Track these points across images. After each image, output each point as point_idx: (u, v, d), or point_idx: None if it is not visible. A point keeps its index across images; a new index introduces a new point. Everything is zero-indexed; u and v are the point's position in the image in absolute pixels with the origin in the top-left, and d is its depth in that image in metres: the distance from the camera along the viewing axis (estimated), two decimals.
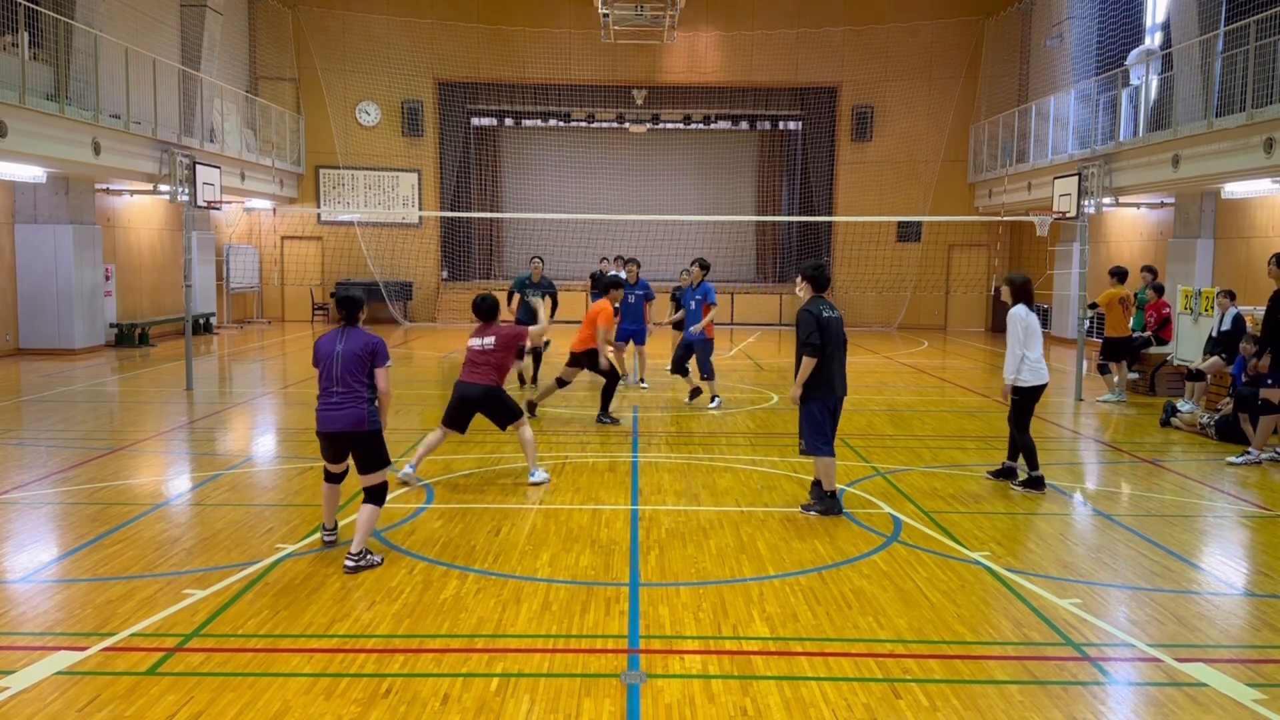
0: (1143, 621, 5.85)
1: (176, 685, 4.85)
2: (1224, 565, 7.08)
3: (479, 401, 8.80)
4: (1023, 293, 9.42)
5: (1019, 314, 9.36)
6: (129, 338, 20.47)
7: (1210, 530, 8.12)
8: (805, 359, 7.83)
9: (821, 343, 7.78)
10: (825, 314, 7.89)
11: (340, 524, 7.23)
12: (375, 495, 6.70)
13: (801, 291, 8.10)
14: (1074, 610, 5.98)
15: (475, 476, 9.33)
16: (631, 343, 14.87)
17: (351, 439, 6.62)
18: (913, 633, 5.62)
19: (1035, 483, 8.98)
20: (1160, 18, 20.41)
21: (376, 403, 6.69)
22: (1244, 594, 6.50)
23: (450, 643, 5.42)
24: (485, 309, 8.78)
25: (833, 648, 5.39)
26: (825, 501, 8.03)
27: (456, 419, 8.92)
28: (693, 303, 13.60)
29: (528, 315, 14.16)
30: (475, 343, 8.82)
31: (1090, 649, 5.45)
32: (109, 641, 5.34)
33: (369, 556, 6.63)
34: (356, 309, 6.81)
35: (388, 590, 6.18)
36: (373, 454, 6.67)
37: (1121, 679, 5.15)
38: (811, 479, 8.26)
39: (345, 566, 6.51)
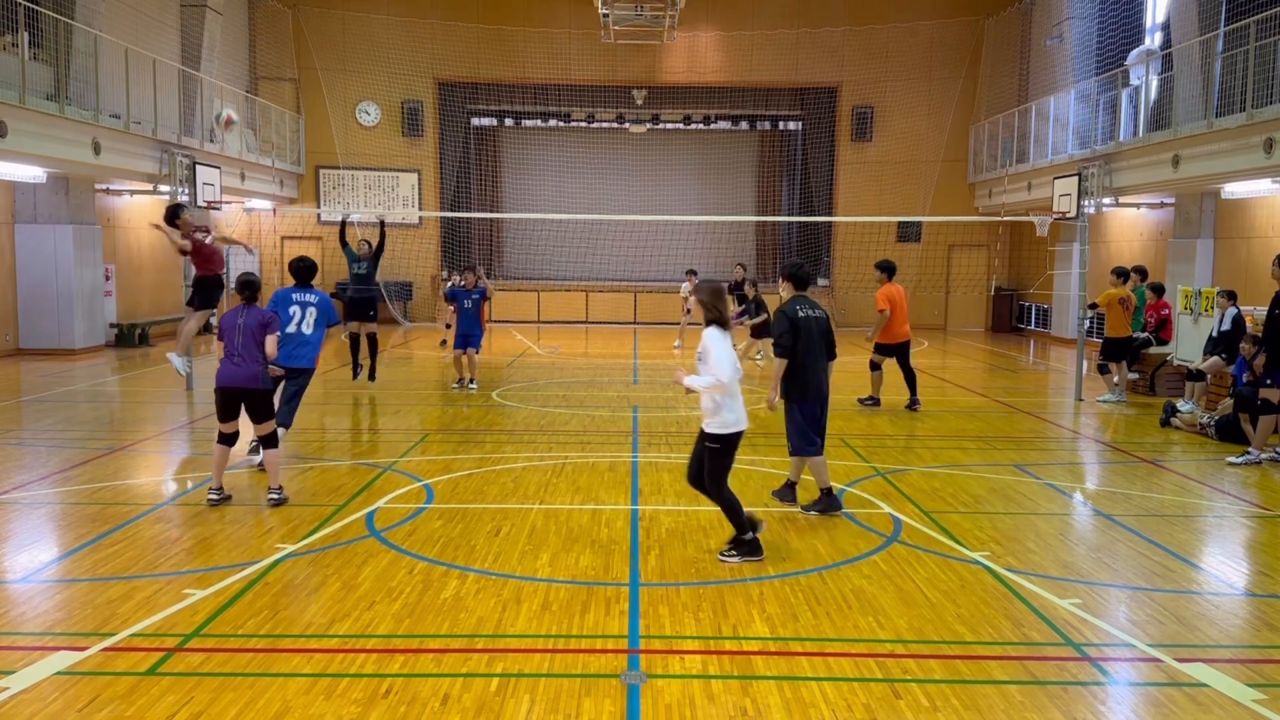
0: (1143, 621, 5.85)
1: (176, 685, 4.85)
2: (1224, 565, 7.09)
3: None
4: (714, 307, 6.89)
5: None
6: (129, 338, 20.47)
7: (1210, 530, 8.13)
8: (776, 360, 7.84)
9: (794, 344, 7.72)
10: (803, 314, 7.84)
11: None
12: (269, 441, 8.24)
13: (784, 291, 8.08)
14: (1074, 610, 5.98)
15: (475, 476, 9.33)
16: (469, 347, 14.83)
17: (246, 395, 8.09)
18: (913, 633, 5.61)
19: (745, 546, 6.89)
20: (1160, 18, 20.41)
21: (269, 367, 8.19)
22: (1244, 594, 6.50)
23: (450, 643, 5.42)
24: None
25: (833, 648, 5.39)
26: (824, 500, 8.04)
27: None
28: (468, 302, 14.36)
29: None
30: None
31: (1090, 649, 5.45)
32: (109, 641, 5.34)
33: (283, 492, 8.17)
34: (256, 290, 8.31)
35: (388, 590, 6.18)
36: (260, 408, 8.19)
37: (1121, 679, 5.15)
38: (810, 478, 8.24)
39: (269, 500, 8.08)
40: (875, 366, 13.76)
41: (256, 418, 8.23)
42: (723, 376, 6.55)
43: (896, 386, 16.14)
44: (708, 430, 6.70)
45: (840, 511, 8.03)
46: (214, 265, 12.75)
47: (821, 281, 28.86)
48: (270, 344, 8.14)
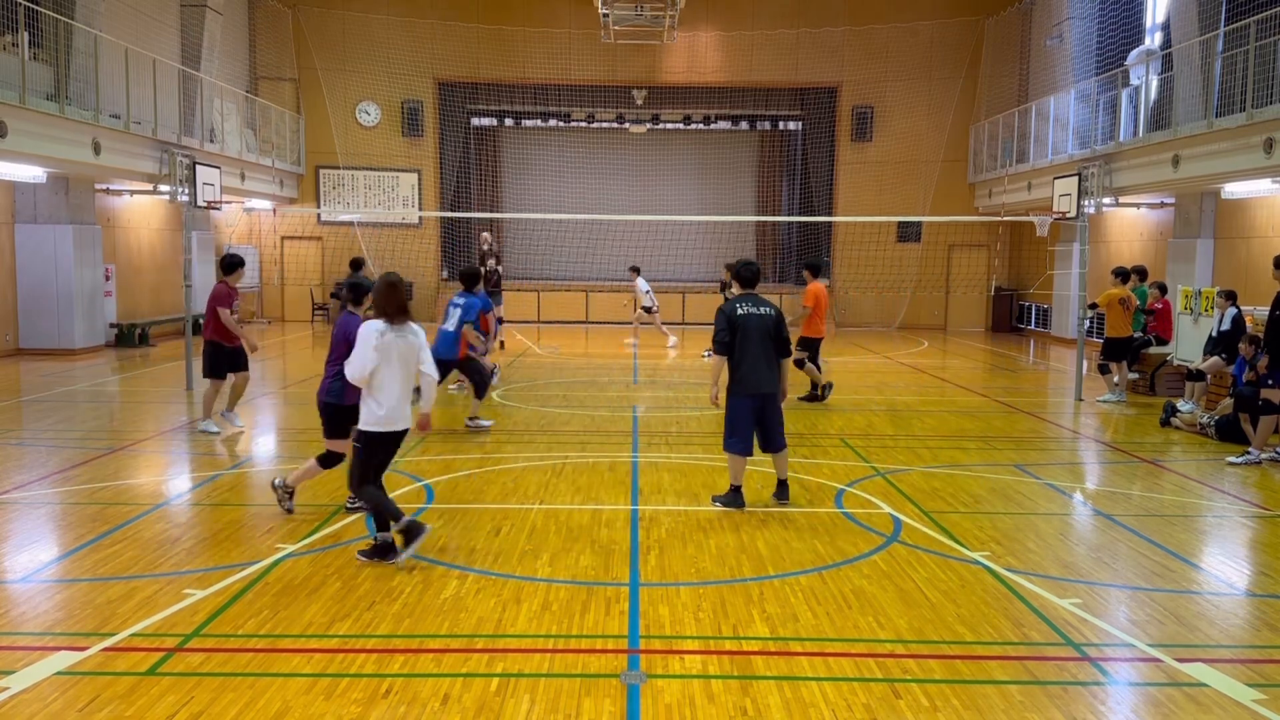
0: (1143, 621, 5.85)
1: (176, 685, 4.85)
2: (1224, 565, 7.09)
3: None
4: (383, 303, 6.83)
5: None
6: (129, 338, 20.47)
7: (1210, 530, 8.13)
8: (714, 357, 7.99)
9: (732, 340, 7.82)
10: (741, 311, 7.89)
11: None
12: (324, 456, 7.74)
13: (734, 289, 8.16)
14: (1074, 610, 5.98)
15: (475, 476, 9.33)
16: None
17: (320, 406, 7.73)
18: (913, 633, 5.62)
19: (380, 550, 6.70)
20: (1160, 18, 20.41)
21: (342, 380, 7.24)
22: (1244, 594, 6.51)
23: (450, 643, 5.42)
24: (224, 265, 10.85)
25: (833, 648, 5.39)
26: (730, 495, 8.19)
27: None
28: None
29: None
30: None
31: (1090, 649, 5.45)
32: (109, 641, 5.34)
33: (286, 498, 7.84)
34: (363, 293, 7.66)
35: (388, 590, 6.18)
36: (326, 422, 7.73)
37: (1121, 679, 5.15)
38: (810, 478, 8.26)
39: (273, 483, 7.97)
40: (801, 364, 13.71)
41: (324, 432, 7.76)
42: (348, 371, 6.65)
43: (897, 386, 16.14)
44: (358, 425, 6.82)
45: (743, 508, 8.07)
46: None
47: (821, 281, 28.84)
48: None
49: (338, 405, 7.54)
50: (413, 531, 6.64)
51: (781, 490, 8.32)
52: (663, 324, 21.99)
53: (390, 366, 6.55)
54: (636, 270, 21.61)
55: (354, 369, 6.57)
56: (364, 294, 7.61)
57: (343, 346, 7.29)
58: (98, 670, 5.00)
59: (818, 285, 13.42)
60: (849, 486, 9.02)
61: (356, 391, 6.85)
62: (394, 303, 6.62)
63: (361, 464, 6.76)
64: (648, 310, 21.41)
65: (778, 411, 8.13)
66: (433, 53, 27.56)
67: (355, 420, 6.98)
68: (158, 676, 4.95)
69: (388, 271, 7.13)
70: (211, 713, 4.57)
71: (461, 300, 11.61)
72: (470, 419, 11.68)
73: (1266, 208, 16.99)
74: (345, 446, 7.54)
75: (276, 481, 7.97)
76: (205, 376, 11.29)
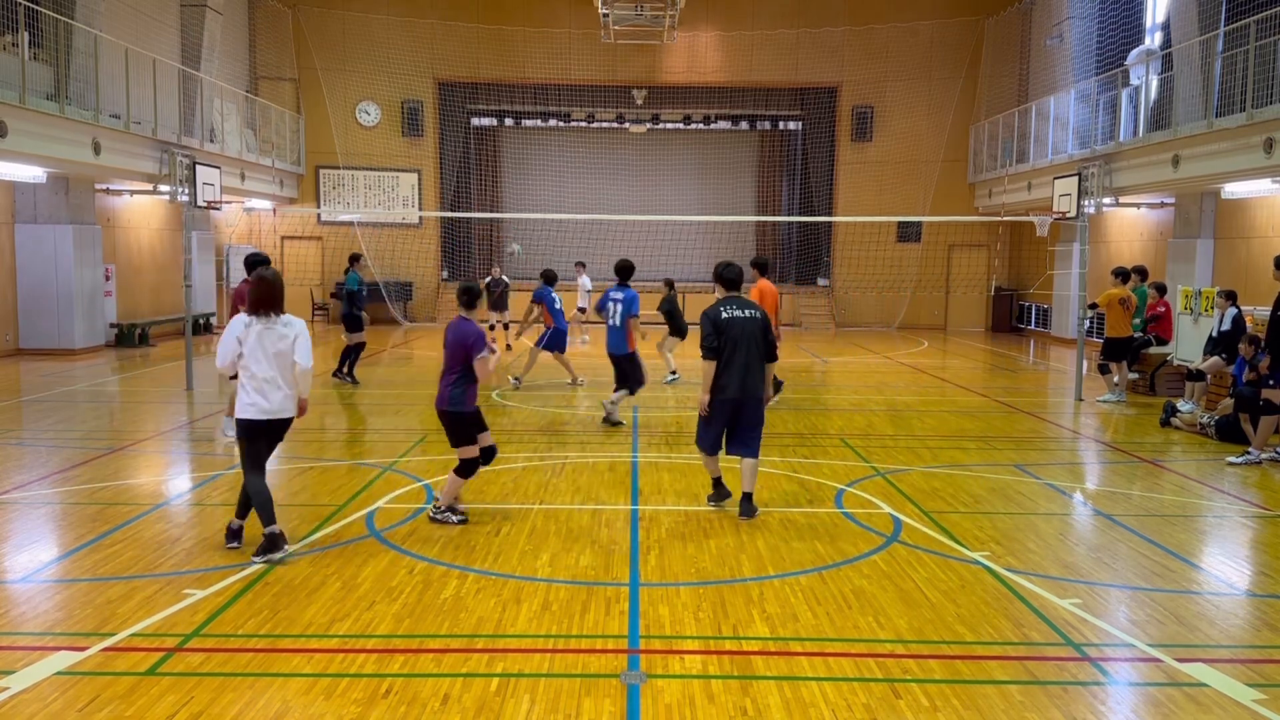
0: (1143, 621, 5.85)
1: (176, 685, 4.85)
2: (1224, 565, 7.09)
3: None
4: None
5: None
6: (129, 338, 20.47)
7: (1210, 530, 8.13)
8: (704, 363, 7.74)
9: (719, 345, 7.65)
10: (726, 314, 7.71)
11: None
12: (460, 467, 7.58)
13: (717, 292, 8.02)
14: (1074, 610, 5.98)
15: (475, 476, 9.31)
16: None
17: (440, 415, 7.57)
18: (913, 633, 5.61)
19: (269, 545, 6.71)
20: (1160, 18, 20.41)
21: (461, 387, 7.42)
22: (1244, 594, 6.50)
23: (450, 643, 5.42)
24: (248, 264, 10.06)
25: (833, 648, 5.39)
26: (715, 490, 8.27)
27: None
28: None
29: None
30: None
31: (1090, 649, 5.44)
32: (109, 641, 5.34)
33: (448, 513, 7.61)
34: (475, 298, 7.66)
35: (388, 590, 6.18)
36: (450, 431, 7.57)
37: (1121, 679, 5.15)
38: (810, 478, 8.25)
39: (429, 514, 7.69)
40: None
41: (449, 440, 7.68)
42: (217, 362, 6.97)
43: (897, 386, 16.14)
44: None
45: (729, 497, 8.17)
46: None
47: (821, 281, 28.88)
48: (478, 366, 7.41)
49: (459, 413, 7.46)
50: (272, 544, 6.65)
51: (746, 505, 7.92)
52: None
53: (257, 357, 6.72)
54: (582, 265, 21.67)
55: (218, 359, 6.93)
56: (475, 298, 7.59)
57: (460, 353, 7.35)
58: (98, 670, 5.00)
59: (765, 283, 12.84)
60: (849, 486, 9.02)
61: (474, 397, 7.47)
62: (259, 297, 6.85)
63: (242, 453, 6.90)
64: (581, 310, 21.39)
65: (756, 416, 7.85)
66: (433, 53, 27.57)
67: (479, 426, 7.54)
68: (158, 676, 4.95)
69: (264, 267, 7.31)
70: (211, 713, 4.57)
71: (620, 294, 12.11)
72: (607, 417, 12.00)
73: (1266, 208, 16.99)
74: (474, 451, 7.53)
75: (434, 514, 7.64)
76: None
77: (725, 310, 7.73)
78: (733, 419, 7.83)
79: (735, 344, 7.63)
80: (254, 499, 6.75)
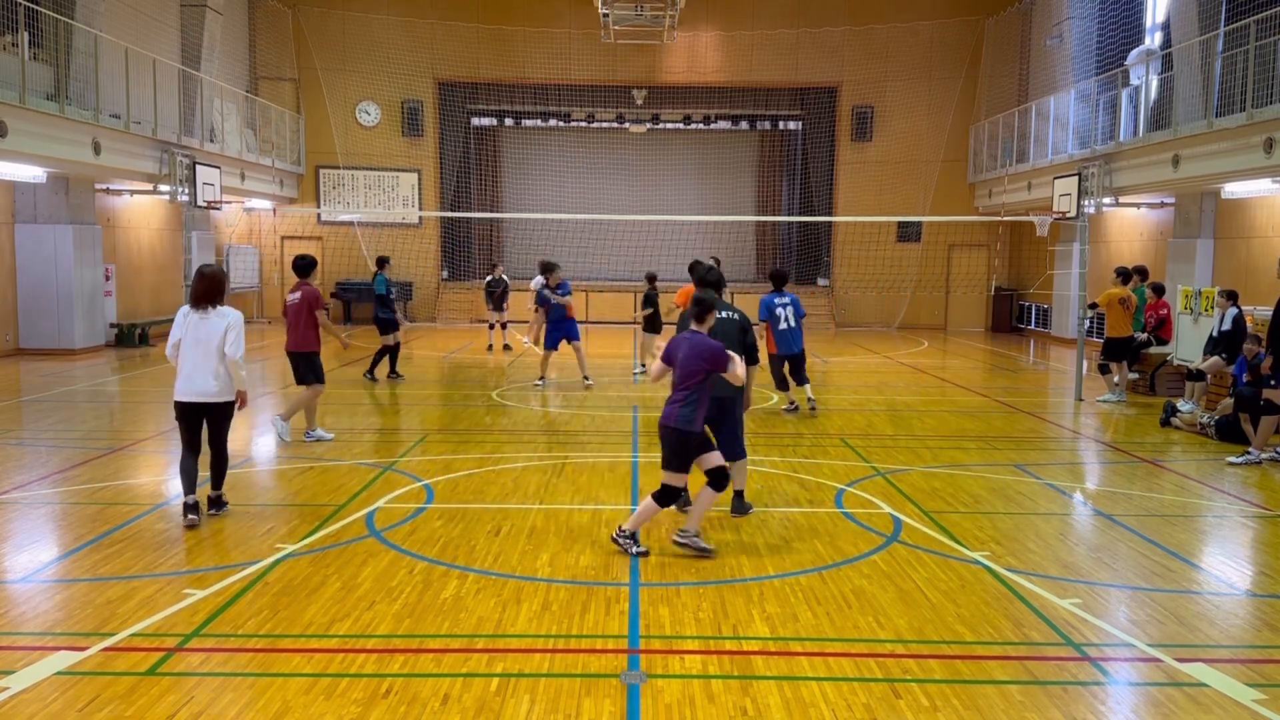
0: (1143, 621, 5.85)
1: (176, 685, 4.85)
2: (1224, 565, 7.09)
3: (293, 360, 10.85)
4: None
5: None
6: (129, 338, 20.47)
7: (1210, 530, 8.13)
8: None
9: None
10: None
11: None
12: (660, 493, 6.88)
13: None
14: (1074, 610, 5.98)
15: (475, 476, 9.33)
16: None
17: (663, 432, 6.95)
18: (913, 633, 5.61)
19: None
20: (1160, 18, 20.41)
21: (691, 407, 6.83)
22: (1244, 594, 6.50)
23: (450, 643, 5.42)
24: (299, 266, 10.70)
25: (833, 648, 5.39)
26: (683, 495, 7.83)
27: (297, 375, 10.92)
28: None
29: (393, 313, 15.67)
30: (289, 297, 10.74)
31: (1090, 649, 5.45)
32: (109, 641, 5.34)
33: (630, 541, 6.93)
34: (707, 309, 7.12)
35: (388, 590, 6.18)
36: (673, 451, 6.88)
37: (1121, 679, 5.15)
38: (810, 478, 8.24)
39: (673, 540, 7.00)
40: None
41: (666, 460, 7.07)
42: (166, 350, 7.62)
43: (897, 386, 16.14)
44: None
45: (686, 507, 7.73)
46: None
47: (821, 281, 28.88)
48: (738, 370, 7.01)
49: (688, 433, 6.83)
50: (186, 509, 7.50)
51: (738, 502, 7.91)
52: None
53: (190, 345, 7.41)
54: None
55: (169, 346, 7.56)
56: (707, 312, 7.01)
57: (700, 369, 6.81)
58: (98, 670, 5.00)
59: (689, 288, 12.76)
60: (849, 486, 9.02)
61: (703, 418, 6.91)
62: (196, 290, 7.50)
63: (179, 430, 7.62)
64: (536, 309, 21.19)
65: (735, 418, 7.73)
66: (433, 53, 27.57)
67: (705, 448, 6.94)
68: (158, 676, 4.95)
69: (205, 264, 7.84)
70: (211, 713, 4.57)
71: (788, 298, 12.81)
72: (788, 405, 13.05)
73: (1266, 208, 16.99)
74: (682, 480, 6.91)
75: (616, 536, 7.02)
76: (307, 383, 10.82)
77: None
78: (715, 424, 7.57)
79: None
80: (185, 479, 7.52)
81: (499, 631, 5.56)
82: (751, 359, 7.70)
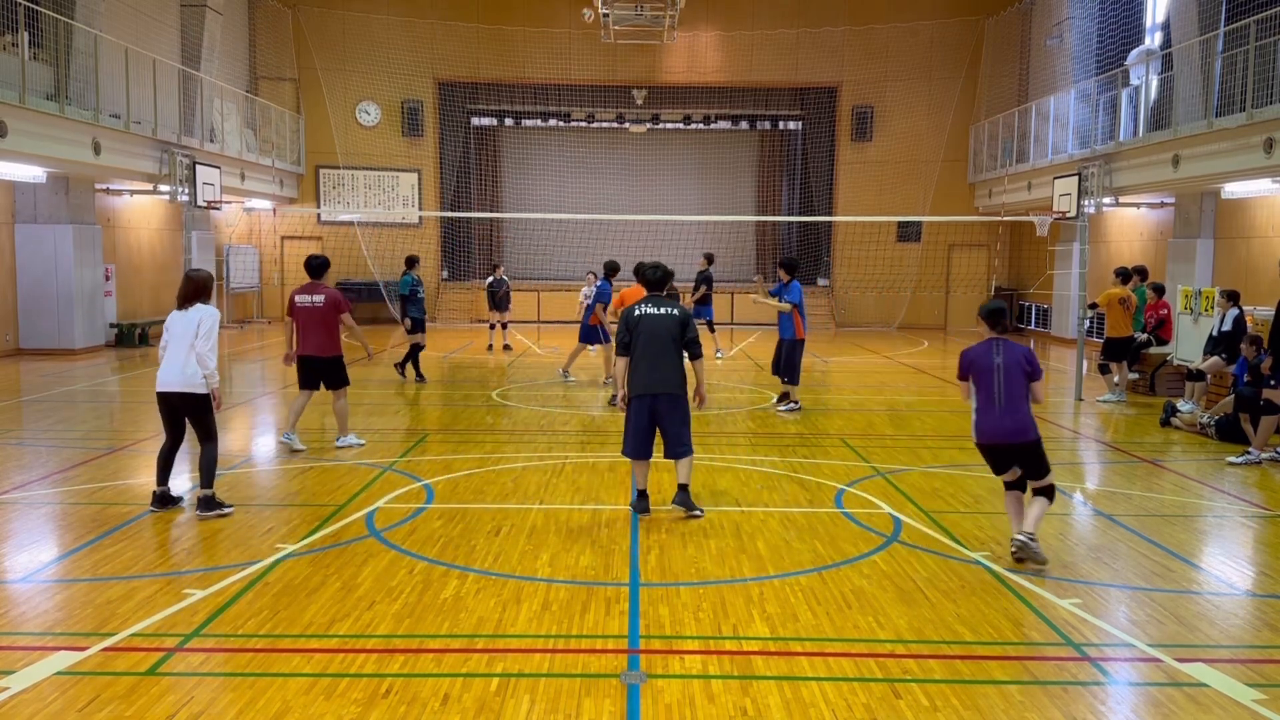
0: (1143, 621, 5.85)
1: (176, 685, 4.85)
2: (1224, 565, 7.09)
3: (318, 366, 10.39)
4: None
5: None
6: (129, 338, 20.47)
7: (1210, 530, 8.13)
8: (618, 359, 7.91)
9: (629, 341, 7.71)
10: (638, 312, 7.75)
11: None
12: (1049, 490, 6.92)
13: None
14: (1074, 610, 5.98)
15: (475, 476, 9.33)
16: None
17: (1020, 449, 6.81)
18: (913, 633, 5.61)
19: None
20: (1160, 18, 20.41)
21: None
22: (1244, 594, 6.50)
23: (450, 643, 5.42)
24: (314, 266, 10.55)
25: (833, 648, 5.39)
26: (635, 499, 7.94)
27: (305, 380, 10.51)
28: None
29: (421, 313, 15.74)
30: (303, 299, 10.40)
31: (1090, 649, 5.45)
32: (109, 641, 5.34)
33: (1035, 546, 6.72)
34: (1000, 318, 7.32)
35: (388, 590, 6.18)
36: (1039, 462, 6.85)
37: (1121, 679, 5.15)
38: (810, 478, 8.25)
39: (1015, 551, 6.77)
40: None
41: (1032, 474, 6.93)
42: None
43: (897, 386, 16.14)
44: None
45: (646, 514, 7.85)
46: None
47: (821, 281, 28.87)
48: (1037, 390, 6.98)
49: (1040, 439, 6.89)
50: (156, 499, 7.94)
51: (680, 494, 7.89)
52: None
53: (169, 338, 7.84)
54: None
55: (160, 346, 7.97)
56: (1004, 316, 7.39)
57: (1026, 376, 6.96)
58: (98, 670, 5.00)
59: (627, 291, 12.25)
60: (849, 486, 9.02)
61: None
62: (181, 292, 7.89)
63: None
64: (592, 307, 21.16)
65: (677, 414, 7.76)
66: (433, 53, 27.57)
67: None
68: (158, 676, 4.95)
69: (193, 268, 8.26)
70: (211, 713, 4.57)
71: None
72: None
73: (1266, 208, 16.99)
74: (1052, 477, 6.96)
75: (1028, 542, 6.76)
76: (339, 388, 10.48)
77: (639, 308, 7.80)
78: (655, 418, 7.72)
79: (645, 340, 7.67)
80: (159, 469, 7.97)
81: (499, 631, 5.56)
82: (691, 353, 7.86)
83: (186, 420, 7.93)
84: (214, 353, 7.77)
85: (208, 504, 7.79)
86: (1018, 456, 6.88)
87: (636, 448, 7.80)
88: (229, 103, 23.61)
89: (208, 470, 7.83)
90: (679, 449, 7.82)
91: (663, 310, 7.76)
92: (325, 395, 10.68)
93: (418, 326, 15.71)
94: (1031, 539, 6.72)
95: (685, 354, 7.84)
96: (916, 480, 9.34)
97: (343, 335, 10.53)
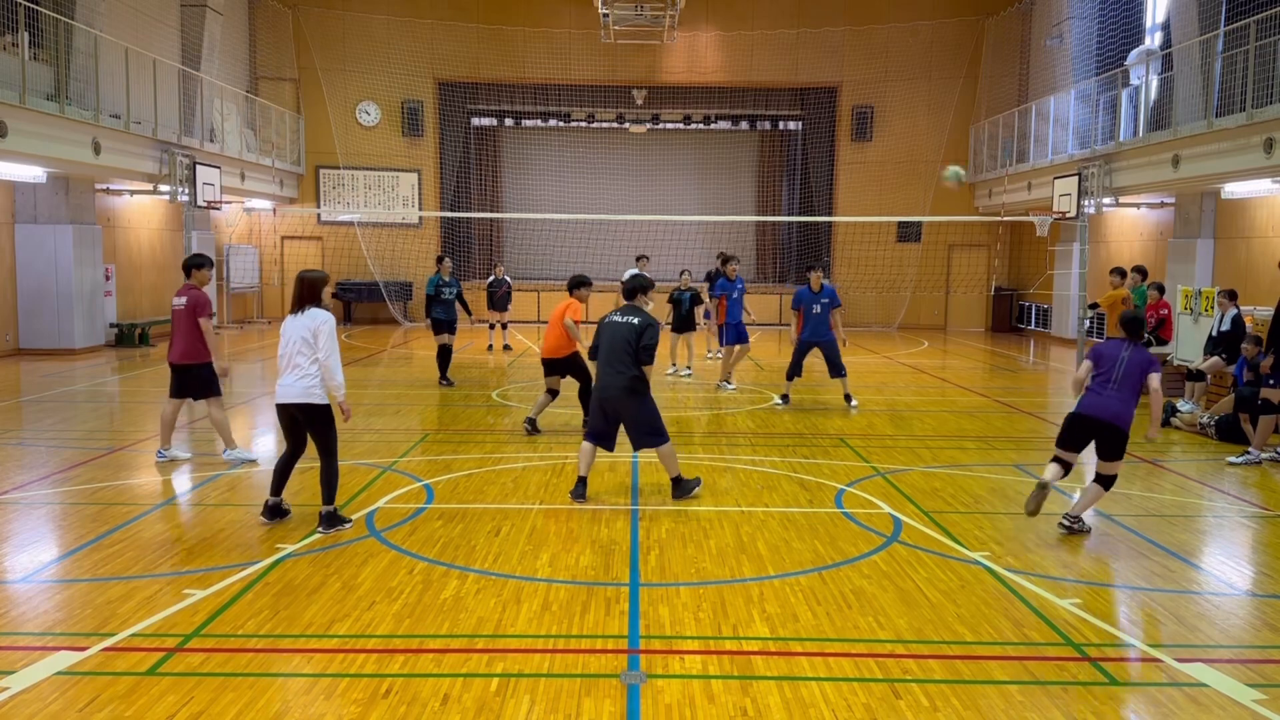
0: (1143, 621, 5.85)
1: (176, 685, 4.85)
2: (1224, 565, 7.09)
3: (180, 373, 9.80)
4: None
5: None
6: (129, 338, 20.46)
7: (1210, 530, 8.13)
8: (591, 362, 8.72)
9: (596, 344, 8.44)
10: (606, 320, 8.47)
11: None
12: (1108, 481, 7.71)
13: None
14: (1074, 610, 5.98)
15: (475, 476, 9.33)
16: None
17: (1109, 430, 7.54)
18: (913, 633, 5.62)
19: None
20: (1160, 18, 20.41)
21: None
22: (1244, 594, 6.50)
23: (450, 643, 5.42)
24: (185, 265, 10.13)
25: (833, 648, 5.39)
26: (577, 486, 8.47)
27: (173, 388, 9.92)
28: (817, 306, 14.38)
29: (446, 314, 15.47)
30: (175, 301, 9.91)
31: (1090, 649, 5.45)
32: (109, 641, 5.34)
33: (1079, 522, 7.64)
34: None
35: (388, 590, 6.18)
36: (1120, 446, 7.61)
37: (1121, 679, 5.15)
38: (810, 478, 8.25)
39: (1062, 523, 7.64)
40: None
41: (1106, 455, 7.66)
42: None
43: (897, 386, 16.14)
44: None
45: (584, 501, 8.34)
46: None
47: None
48: (1153, 380, 7.56)
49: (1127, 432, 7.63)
50: (272, 513, 7.67)
51: (675, 489, 8.51)
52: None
53: (287, 346, 7.52)
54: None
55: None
56: (1142, 326, 7.81)
57: (1142, 376, 7.57)
58: (98, 670, 5.01)
59: (571, 301, 12.33)
60: (849, 486, 9.02)
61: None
62: (296, 293, 7.62)
63: None
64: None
65: (631, 413, 8.29)
66: (433, 53, 27.57)
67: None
68: (158, 676, 4.95)
69: (306, 269, 7.89)
70: (211, 713, 4.57)
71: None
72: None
73: (1266, 208, 16.99)
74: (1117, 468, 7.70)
75: (1065, 522, 7.68)
76: (207, 397, 9.85)
77: (609, 316, 8.50)
78: (613, 417, 8.37)
79: (603, 345, 8.35)
80: (276, 476, 7.71)
81: (499, 631, 5.56)
82: (642, 359, 8.26)
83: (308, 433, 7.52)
84: (338, 362, 7.40)
85: (330, 520, 7.41)
86: (1102, 435, 7.54)
87: (594, 435, 8.50)
88: (229, 103, 23.61)
89: (328, 486, 7.42)
90: (640, 439, 8.41)
91: (624, 319, 8.40)
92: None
93: (438, 328, 15.36)
94: (1076, 521, 7.57)
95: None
96: (916, 480, 9.35)
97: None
